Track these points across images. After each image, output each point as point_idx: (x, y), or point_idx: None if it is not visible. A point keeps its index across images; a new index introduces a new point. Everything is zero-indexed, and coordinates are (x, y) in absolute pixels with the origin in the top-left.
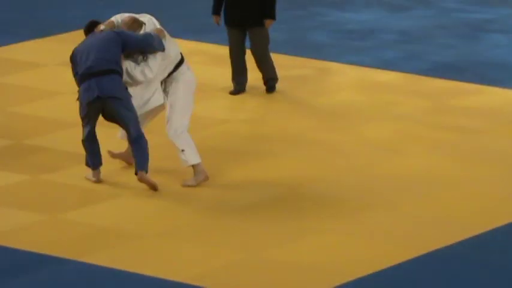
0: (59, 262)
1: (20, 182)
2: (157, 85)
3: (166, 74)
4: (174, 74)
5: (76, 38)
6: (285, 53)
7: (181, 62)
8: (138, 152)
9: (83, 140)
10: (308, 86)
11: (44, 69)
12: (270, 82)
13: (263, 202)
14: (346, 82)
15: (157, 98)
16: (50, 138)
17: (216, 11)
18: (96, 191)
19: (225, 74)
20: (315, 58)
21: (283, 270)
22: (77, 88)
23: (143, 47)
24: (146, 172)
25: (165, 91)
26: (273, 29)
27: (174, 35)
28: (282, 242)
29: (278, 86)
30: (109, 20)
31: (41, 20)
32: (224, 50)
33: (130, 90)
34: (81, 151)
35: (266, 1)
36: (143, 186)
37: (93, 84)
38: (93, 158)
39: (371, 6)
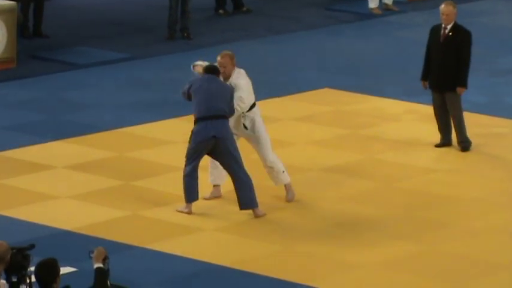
0: None
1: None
2: None
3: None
4: (250, 113)
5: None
6: (485, 114)
7: (254, 104)
8: (243, 190)
9: (186, 175)
10: (503, 143)
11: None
12: (462, 144)
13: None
14: None
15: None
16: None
17: (423, 77)
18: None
19: (433, 130)
20: (511, 118)
21: None
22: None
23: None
24: (257, 206)
25: (244, 127)
26: (477, 93)
27: (393, 96)
28: None
29: (478, 140)
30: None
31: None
32: (430, 110)
33: None
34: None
35: (459, 71)
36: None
37: (209, 125)
38: (195, 192)
39: None
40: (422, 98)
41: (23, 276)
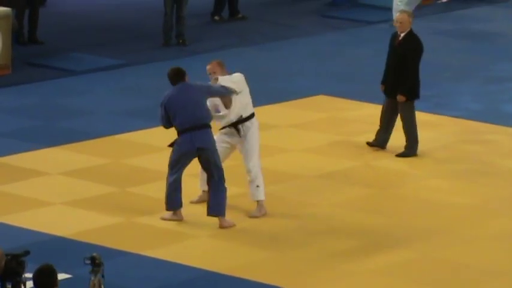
0: None
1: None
2: None
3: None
4: (248, 122)
5: None
6: (480, 121)
7: (253, 115)
8: (215, 197)
9: (170, 183)
10: (498, 150)
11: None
12: (405, 150)
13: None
14: None
15: None
16: None
17: (382, 81)
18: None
19: (429, 137)
20: (506, 125)
21: None
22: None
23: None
24: (223, 216)
25: (241, 135)
26: (472, 100)
27: None
28: None
29: (473, 147)
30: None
31: None
32: (424, 116)
33: None
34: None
35: (404, 80)
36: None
37: (193, 136)
38: (177, 200)
39: None
40: (417, 105)
41: (17, 283)
